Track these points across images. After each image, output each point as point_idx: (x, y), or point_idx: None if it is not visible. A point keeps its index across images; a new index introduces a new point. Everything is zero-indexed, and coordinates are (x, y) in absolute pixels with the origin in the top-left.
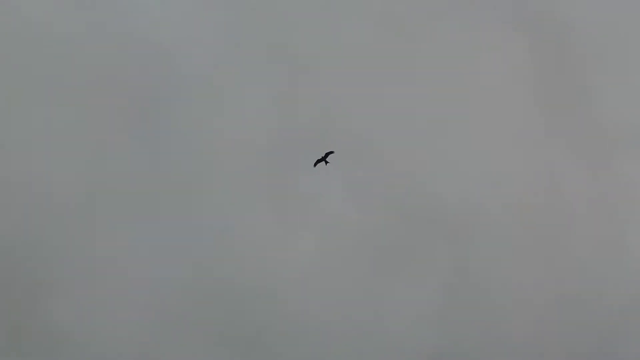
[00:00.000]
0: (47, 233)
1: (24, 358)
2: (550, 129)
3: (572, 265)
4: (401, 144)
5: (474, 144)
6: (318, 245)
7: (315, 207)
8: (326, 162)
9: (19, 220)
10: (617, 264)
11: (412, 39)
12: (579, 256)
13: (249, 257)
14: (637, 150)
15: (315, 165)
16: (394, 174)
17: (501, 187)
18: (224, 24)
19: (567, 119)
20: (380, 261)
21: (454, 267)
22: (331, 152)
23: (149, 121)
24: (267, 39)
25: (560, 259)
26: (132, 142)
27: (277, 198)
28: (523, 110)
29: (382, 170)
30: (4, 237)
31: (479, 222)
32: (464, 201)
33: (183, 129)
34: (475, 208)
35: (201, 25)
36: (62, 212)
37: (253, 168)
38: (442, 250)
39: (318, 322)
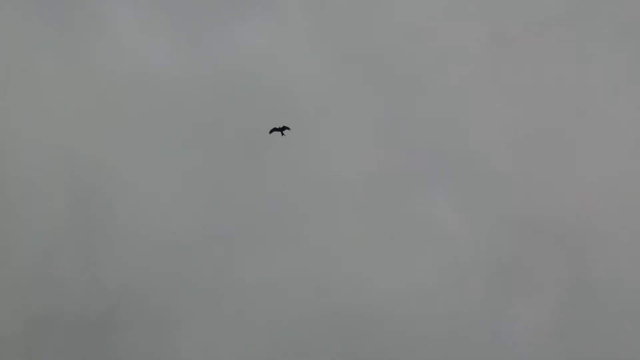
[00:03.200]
0: (171, 272)
1: None
2: None
3: None
4: (511, 157)
5: (587, 153)
6: (434, 265)
7: (429, 227)
8: (282, 133)
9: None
10: None
11: (513, 48)
12: None
13: (367, 281)
14: None
15: (270, 132)
16: (506, 188)
17: (619, 197)
18: (329, 60)
19: None
20: (497, 278)
21: (573, 282)
22: (287, 128)
23: (257, 158)
24: (365, 69)
25: None
26: (242, 178)
27: (391, 222)
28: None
29: (495, 185)
30: (131, 278)
31: (597, 234)
32: (581, 214)
33: (293, 161)
34: (593, 220)
35: (306, 62)
36: (184, 252)
37: (365, 194)
38: (560, 266)
39: (438, 343)
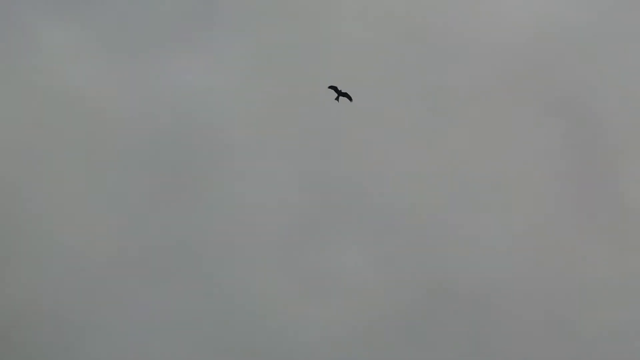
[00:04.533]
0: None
1: None
2: (574, 213)
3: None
4: (427, 215)
5: (499, 223)
6: (340, 315)
7: (340, 279)
8: (337, 99)
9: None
10: None
11: (445, 119)
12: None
13: (271, 321)
14: None
15: (331, 88)
16: (417, 249)
17: (520, 268)
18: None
19: (594, 203)
20: (404, 331)
21: (470, 340)
22: (348, 98)
23: (178, 194)
24: (296, 120)
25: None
26: (160, 211)
27: (302, 269)
28: (544, 193)
29: (408, 241)
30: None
31: (494, 298)
32: (481, 278)
33: (214, 200)
34: (491, 285)
35: (237, 103)
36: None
37: (279, 240)
38: (458, 323)
39: None
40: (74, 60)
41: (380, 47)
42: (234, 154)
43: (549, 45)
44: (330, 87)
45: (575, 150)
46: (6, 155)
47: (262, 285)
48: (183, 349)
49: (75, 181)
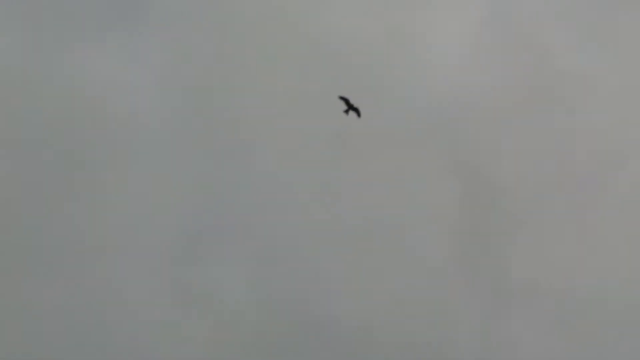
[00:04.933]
0: None
1: None
2: (462, 277)
3: None
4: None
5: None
6: (212, 335)
7: (214, 300)
8: (347, 112)
9: None
10: None
11: (345, 159)
12: None
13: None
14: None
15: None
16: (296, 279)
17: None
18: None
19: (482, 270)
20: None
21: None
22: (357, 113)
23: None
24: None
25: None
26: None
27: (178, 287)
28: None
29: (286, 273)
30: None
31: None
32: (368, 318)
33: (100, 199)
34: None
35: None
36: None
37: (157, 247)
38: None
39: None
40: None
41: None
42: (138, 152)
43: (461, 107)
44: (341, 97)
45: (472, 212)
46: None
47: (132, 293)
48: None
49: None
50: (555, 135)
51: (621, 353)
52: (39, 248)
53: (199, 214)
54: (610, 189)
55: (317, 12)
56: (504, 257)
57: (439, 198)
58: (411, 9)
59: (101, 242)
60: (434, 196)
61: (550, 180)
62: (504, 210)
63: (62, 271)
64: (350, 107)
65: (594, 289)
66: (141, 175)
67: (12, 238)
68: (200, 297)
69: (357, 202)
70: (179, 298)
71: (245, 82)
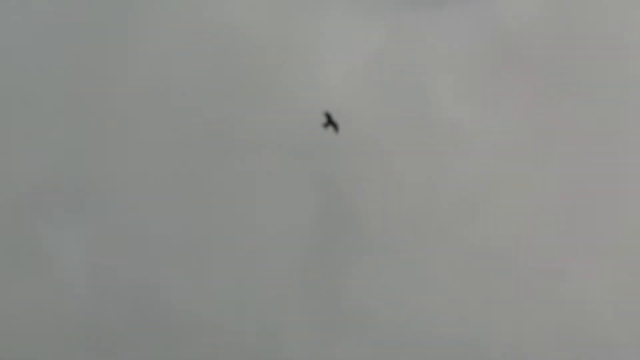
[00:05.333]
0: None
1: None
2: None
3: None
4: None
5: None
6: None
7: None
8: (325, 125)
9: None
10: None
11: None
12: None
13: None
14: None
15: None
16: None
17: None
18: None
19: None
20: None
21: None
22: (335, 129)
23: None
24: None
25: None
26: None
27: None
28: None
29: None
30: None
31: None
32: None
33: None
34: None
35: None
36: None
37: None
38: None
39: None
40: None
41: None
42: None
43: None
44: (325, 112)
45: (324, 231)
46: None
47: None
48: None
49: None
50: (421, 174)
51: None
52: None
53: (51, 184)
54: (462, 236)
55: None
56: (345, 279)
57: (296, 210)
58: (315, 19)
59: None
60: (292, 207)
61: (406, 215)
62: (357, 235)
63: None
64: (331, 122)
65: (423, 326)
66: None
67: None
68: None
69: (214, 202)
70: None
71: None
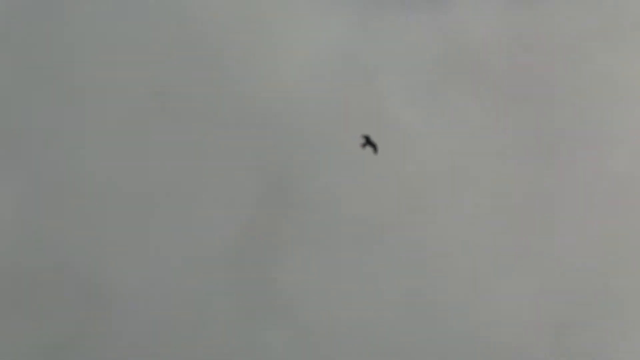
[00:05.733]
0: None
1: None
2: None
3: None
4: None
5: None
6: None
7: None
8: (363, 145)
9: None
10: None
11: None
12: None
13: None
14: None
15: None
16: None
17: None
18: None
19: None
20: None
21: None
22: (374, 149)
23: None
24: None
25: None
26: None
27: None
28: None
29: None
30: None
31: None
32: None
33: None
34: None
35: None
36: None
37: None
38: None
39: None
40: None
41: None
42: None
43: (291, 114)
44: (364, 135)
45: (264, 216)
46: None
47: None
48: None
49: None
50: (366, 170)
51: None
52: None
53: None
54: (401, 233)
55: None
56: (278, 266)
57: (238, 193)
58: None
59: None
60: (235, 190)
61: (347, 210)
62: (296, 224)
63: None
64: (369, 142)
65: (352, 318)
66: None
67: None
68: None
69: (155, 170)
70: None
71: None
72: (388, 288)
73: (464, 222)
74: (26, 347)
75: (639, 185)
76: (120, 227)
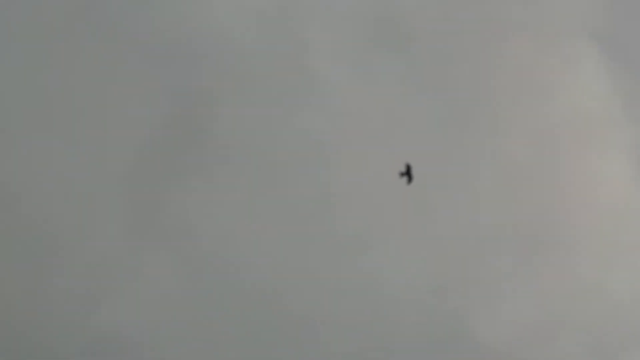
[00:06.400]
0: None
1: None
2: None
3: None
4: None
5: None
6: None
7: None
8: (401, 175)
9: None
10: None
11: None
12: None
13: None
14: None
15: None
16: None
17: None
18: None
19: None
20: None
21: None
22: (409, 179)
23: None
24: None
25: None
26: None
27: None
28: None
29: None
30: None
31: None
32: None
33: None
34: None
35: None
36: None
37: None
38: None
39: None
40: None
41: None
42: None
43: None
44: (407, 164)
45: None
46: None
47: None
48: None
49: None
50: (275, 112)
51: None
52: None
53: None
54: (297, 175)
55: None
56: (174, 193)
57: (144, 113)
58: None
59: None
60: (143, 110)
61: (251, 147)
62: (198, 153)
63: None
64: (408, 173)
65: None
66: None
67: None
68: None
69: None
70: None
71: None
72: (278, 229)
73: (365, 174)
74: None
75: (531, 171)
76: (22, 142)
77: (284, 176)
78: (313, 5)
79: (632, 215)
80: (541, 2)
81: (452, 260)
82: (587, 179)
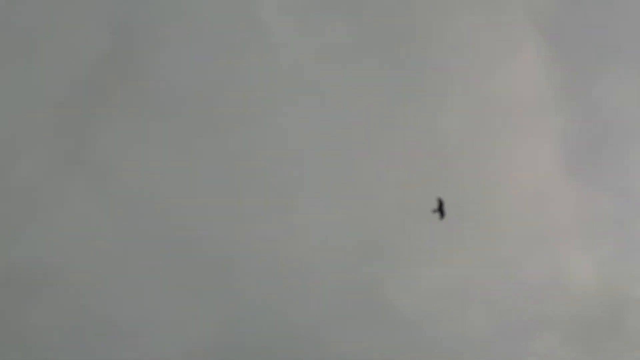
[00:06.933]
0: None
1: None
2: None
3: None
4: None
5: None
6: None
7: None
8: (435, 211)
9: None
10: None
11: None
12: None
13: None
14: None
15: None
16: None
17: None
18: None
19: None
20: None
21: None
22: (442, 214)
23: None
24: None
25: None
26: None
27: None
28: None
29: None
30: None
31: None
32: None
33: None
34: None
35: None
36: None
37: None
38: None
39: None
40: None
41: None
42: None
43: None
44: (439, 199)
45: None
46: None
47: None
48: None
49: None
50: (219, 67)
51: None
52: None
53: None
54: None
55: None
56: (102, 131)
57: (80, 47)
58: None
59: None
60: (80, 42)
61: (188, 97)
62: (131, 93)
63: None
64: (440, 209)
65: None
66: None
67: None
68: None
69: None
70: None
71: None
72: (206, 173)
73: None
74: None
75: (461, 148)
76: None
77: (217, 123)
78: None
79: (553, 201)
80: None
81: (374, 225)
82: (514, 161)
